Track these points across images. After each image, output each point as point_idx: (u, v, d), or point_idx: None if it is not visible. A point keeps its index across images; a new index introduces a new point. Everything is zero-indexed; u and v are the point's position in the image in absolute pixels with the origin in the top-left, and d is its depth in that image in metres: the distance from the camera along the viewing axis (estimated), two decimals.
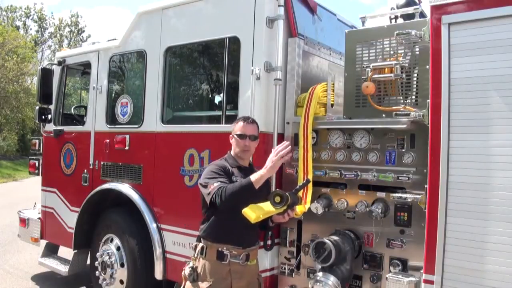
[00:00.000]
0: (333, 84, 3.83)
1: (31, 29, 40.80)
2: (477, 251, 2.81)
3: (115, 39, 5.35)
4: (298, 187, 3.12)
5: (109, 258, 4.82)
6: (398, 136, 3.35)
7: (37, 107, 5.87)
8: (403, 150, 3.32)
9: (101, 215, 5.19)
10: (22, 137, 31.34)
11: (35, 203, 6.44)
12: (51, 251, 6.16)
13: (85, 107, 5.71)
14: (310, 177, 3.56)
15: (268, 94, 3.84)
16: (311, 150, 3.66)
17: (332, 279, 3.26)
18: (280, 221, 3.27)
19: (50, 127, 5.95)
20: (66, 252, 5.90)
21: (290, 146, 2.93)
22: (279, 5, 3.82)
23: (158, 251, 4.43)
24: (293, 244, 3.84)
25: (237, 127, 3.22)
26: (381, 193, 3.39)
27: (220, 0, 4.20)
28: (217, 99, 4.82)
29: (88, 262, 5.44)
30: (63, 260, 5.83)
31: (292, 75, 3.91)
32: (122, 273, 4.75)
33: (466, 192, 2.86)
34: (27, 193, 13.04)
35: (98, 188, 5.11)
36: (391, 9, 3.90)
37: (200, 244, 3.16)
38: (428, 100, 3.07)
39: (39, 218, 6.06)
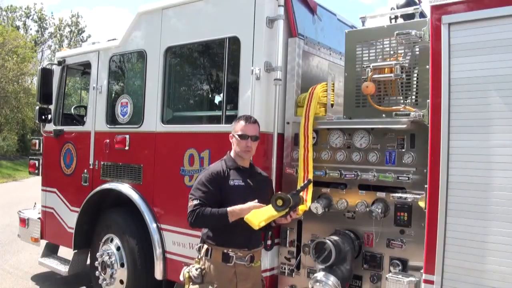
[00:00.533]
0: (333, 84, 3.83)
1: (31, 29, 40.91)
2: (477, 251, 2.81)
3: (115, 39, 5.35)
4: (300, 188, 3.12)
5: (109, 258, 4.81)
6: (398, 136, 3.35)
7: (37, 107, 5.87)
8: (403, 150, 3.31)
9: (101, 215, 5.19)
10: (22, 137, 31.35)
11: (35, 203, 6.44)
12: (51, 251, 6.16)
13: (85, 107, 5.71)
14: (311, 177, 3.56)
15: (268, 94, 3.84)
16: (312, 150, 3.65)
17: (332, 279, 3.26)
18: (283, 222, 3.22)
19: (50, 127, 5.95)
20: (66, 252, 5.89)
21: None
22: (279, 5, 3.82)
23: (158, 251, 4.43)
24: (293, 244, 3.84)
25: (238, 127, 3.15)
26: (381, 193, 3.39)
27: (220, 0, 4.20)
28: (217, 99, 4.82)
29: (88, 262, 5.44)
30: (63, 260, 5.83)
31: (292, 75, 3.91)
32: (122, 273, 4.75)
33: (466, 192, 2.86)
34: (27, 193, 13.04)
35: (98, 188, 5.11)
36: (391, 9, 3.90)
37: (205, 246, 3.11)
38: (428, 100, 3.07)
39: (39, 218, 6.06)
